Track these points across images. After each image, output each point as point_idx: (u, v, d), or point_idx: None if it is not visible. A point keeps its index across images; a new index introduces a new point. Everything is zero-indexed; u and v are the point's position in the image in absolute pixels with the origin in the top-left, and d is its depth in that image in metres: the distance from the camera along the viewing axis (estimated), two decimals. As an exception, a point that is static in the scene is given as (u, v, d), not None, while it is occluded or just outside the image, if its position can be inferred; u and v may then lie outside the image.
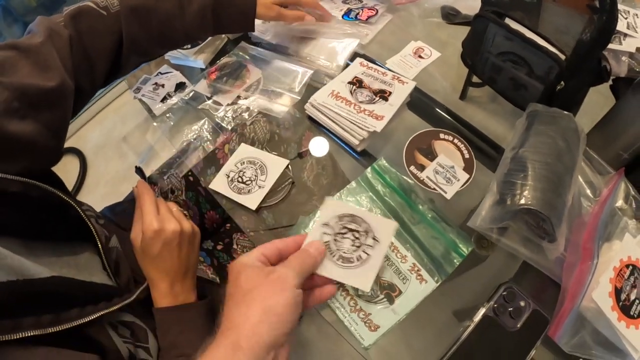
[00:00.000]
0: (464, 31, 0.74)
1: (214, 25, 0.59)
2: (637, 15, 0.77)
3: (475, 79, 0.77)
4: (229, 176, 0.59)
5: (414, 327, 0.49)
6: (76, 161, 1.61)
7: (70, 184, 1.54)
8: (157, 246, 0.46)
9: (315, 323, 1.13)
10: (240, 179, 0.58)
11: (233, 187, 0.58)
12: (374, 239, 0.44)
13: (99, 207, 0.66)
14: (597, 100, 0.73)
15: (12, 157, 0.38)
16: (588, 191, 0.61)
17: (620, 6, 0.72)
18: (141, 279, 0.48)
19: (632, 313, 0.50)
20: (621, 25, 0.77)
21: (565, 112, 0.63)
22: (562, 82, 0.64)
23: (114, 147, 1.62)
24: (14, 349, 0.31)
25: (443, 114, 0.69)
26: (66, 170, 1.62)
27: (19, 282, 0.33)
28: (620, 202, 0.59)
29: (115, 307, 0.39)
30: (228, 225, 0.75)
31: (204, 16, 0.57)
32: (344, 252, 0.43)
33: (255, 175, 0.58)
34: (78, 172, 1.58)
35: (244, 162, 0.60)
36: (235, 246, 0.69)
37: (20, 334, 0.30)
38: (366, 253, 0.43)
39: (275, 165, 0.59)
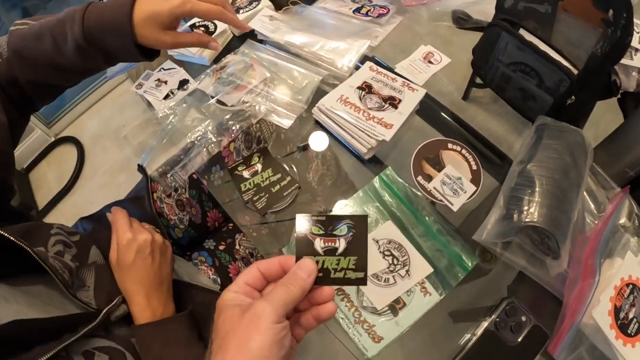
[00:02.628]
0: (473, 37, 0.73)
1: (104, 59, 0.49)
2: (651, 28, 0.75)
3: (478, 79, 0.76)
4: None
5: (415, 338, 0.49)
6: (74, 150, 1.58)
7: (67, 174, 1.52)
8: (131, 254, 0.49)
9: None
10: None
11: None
12: (407, 272, 0.49)
13: (95, 198, 0.66)
14: (604, 114, 0.72)
15: None
16: (592, 206, 0.61)
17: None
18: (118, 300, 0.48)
19: (629, 331, 0.50)
20: (632, 40, 0.77)
21: (574, 127, 0.62)
22: (573, 96, 0.64)
23: (112, 136, 1.60)
24: None
25: (451, 120, 0.68)
26: (63, 159, 1.59)
27: None
28: (623, 220, 0.59)
29: (78, 336, 0.39)
30: (231, 225, 0.74)
31: (82, 52, 0.46)
32: (378, 270, 0.50)
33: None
34: (76, 161, 1.55)
35: None
36: (237, 247, 0.69)
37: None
38: (394, 280, 0.49)
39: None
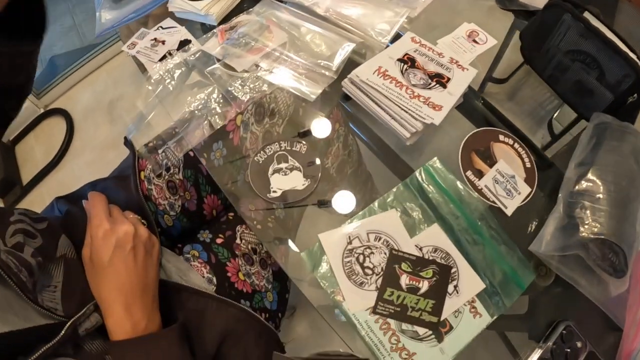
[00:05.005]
0: (518, 20, 0.61)
1: None
2: None
3: (496, 74, 0.65)
4: (350, 242, 0.39)
5: None
6: (63, 123, 1.42)
7: (55, 148, 1.36)
8: (108, 250, 0.38)
9: (308, 318, 1.02)
10: (360, 260, 0.38)
11: (346, 263, 0.38)
12: (455, 288, 0.38)
13: (82, 175, 0.54)
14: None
15: None
16: None
17: None
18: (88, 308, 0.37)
19: None
20: None
21: (634, 128, 0.51)
22: (635, 95, 0.53)
23: (104, 111, 1.44)
24: None
25: (488, 112, 0.56)
26: (52, 133, 1.44)
27: None
28: None
29: (34, 357, 0.31)
30: (231, 214, 0.60)
31: None
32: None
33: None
34: (64, 135, 1.39)
35: (380, 238, 0.39)
36: (238, 241, 0.55)
37: None
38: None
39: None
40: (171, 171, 0.55)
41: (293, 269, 0.43)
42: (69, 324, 0.34)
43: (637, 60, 0.53)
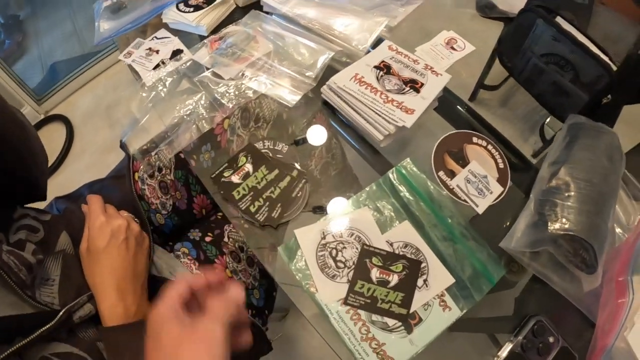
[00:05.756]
0: (498, 27, 0.64)
1: None
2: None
3: (488, 81, 0.68)
4: (324, 237, 0.42)
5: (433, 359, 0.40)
6: (63, 129, 1.47)
7: (55, 152, 1.41)
8: (104, 239, 0.42)
9: (301, 321, 1.04)
10: (332, 255, 0.41)
11: (319, 257, 0.41)
12: (425, 282, 0.41)
13: (81, 179, 0.58)
14: (631, 119, 0.64)
15: None
16: (622, 218, 0.54)
17: None
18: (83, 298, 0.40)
19: None
20: None
21: (609, 128, 0.54)
22: (609, 95, 0.56)
23: (103, 116, 1.49)
24: None
25: (469, 116, 0.59)
26: (52, 138, 1.49)
27: None
28: None
29: (31, 338, 0.34)
30: (220, 214, 0.64)
31: None
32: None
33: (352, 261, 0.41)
34: (64, 140, 1.44)
35: (352, 234, 0.42)
36: (226, 239, 0.59)
37: None
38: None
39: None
40: (163, 172, 0.59)
41: (280, 274, 0.45)
42: (64, 309, 0.37)
43: (609, 62, 0.56)
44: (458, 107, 0.58)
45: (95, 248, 0.41)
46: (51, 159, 1.40)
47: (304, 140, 0.52)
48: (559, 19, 0.58)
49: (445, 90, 0.56)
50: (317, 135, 0.53)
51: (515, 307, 0.46)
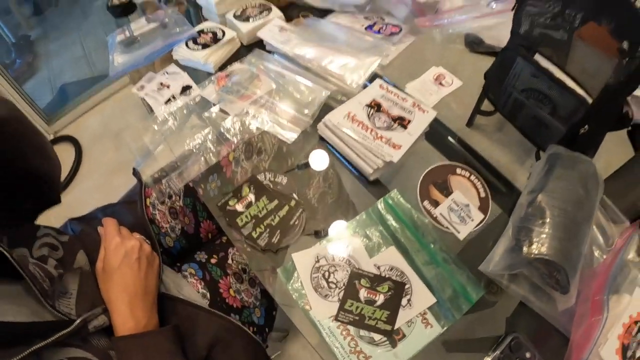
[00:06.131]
0: (485, 62, 0.72)
1: None
2: (666, 59, 0.74)
3: (484, 107, 0.75)
4: (317, 261, 0.49)
5: None
6: (71, 149, 1.57)
7: (64, 172, 1.50)
8: (118, 258, 0.48)
9: (301, 341, 1.10)
10: (325, 276, 0.48)
11: (313, 278, 0.48)
12: (408, 301, 0.47)
13: (89, 199, 0.64)
14: (612, 146, 0.71)
15: None
16: (601, 240, 0.60)
17: None
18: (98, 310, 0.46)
19: None
20: None
21: (586, 157, 0.61)
22: (586, 126, 0.63)
23: (111, 138, 1.59)
24: None
25: (458, 145, 0.66)
26: (61, 158, 1.56)
27: None
28: (632, 255, 0.57)
29: (49, 341, 0.38)
30: (224, 238, 0.71)
31: None
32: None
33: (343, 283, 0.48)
34: (73, 160, 1.54)
35: (343, 258, 0.49)
36: (230, 261, 0.66)
37: None
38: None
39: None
40: (173, 199, 0.67)
41: (280, 295, 0.51)
42: (81, 318, 0.42)
43: (585, 95, 0.63)
44: (449, 137, 0.66)
45: (110, 266, 0.48)
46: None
47: (307, 165, 0.59)
48: (537, 57, 0.66)
49: (437, 121, 0.64)
50: (318, 160, 0.60)
51: (507, 327, 0.51)
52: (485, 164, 0.63)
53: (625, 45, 0.56)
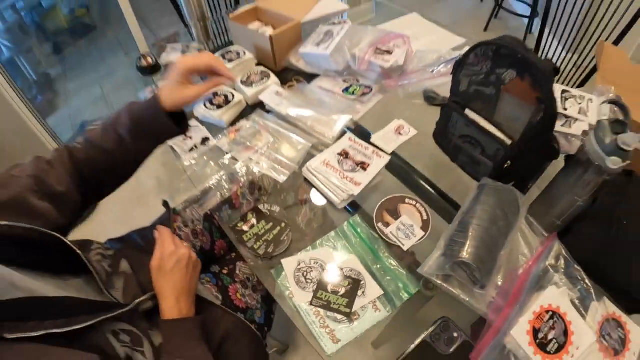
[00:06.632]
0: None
1: (149, 138, 0.70)
2: (591, 100, 0.89)
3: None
4: (299, 264, 0.74)
5: (366, 343, 0.68)
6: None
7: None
8: (172, 263, 0.65)
9: (300, 354, 1.33)
10: (304, 275, 0.73)
11: (296, 276, 0.73)
12: (363, 292, 0.71)
13: (108, 231, 0.84)
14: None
15: (32, 219, 0.54)
16: (526, 250, 0.78)
17: (576, 92, 0.91)
18: (148, 296, 0.63)
19: (548, 350, 0.64)
20: (573, 111, 0.91)
21: (508, 186, 0.85)
22: (509, 162, 0.88)
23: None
24: (35, 345, 0.43)
25: (417, 177, 0.93)
26: None
27: (41, 298, 0.48)
28: (552, 260, 0.75)
29: (111, 315, 0.52)
30: (234, 254, 0.96)
31: (133, 135, 0.67)
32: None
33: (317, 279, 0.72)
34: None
35: (317, 262, 0.75)
36: (237, 272, 0.90)
37: (41, 331, 0.44)
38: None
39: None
40: (195, 223, 0.93)
41: (273, 290, 0.74)
42: (137, 301, 0.59)
43: (505, 139, 0.88)
44: (411, 174, 0.92)
45: (164, 268, 0.64)
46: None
47: (307, 200, 0.84)
48: (468, 111, 0.93)
49: (400, 158, 0.90)
50: (313, 197, 0.86)
51: (471, 333, 0.68)
52: (439, 191, 0.88)
53: (541, 93, 0.79)
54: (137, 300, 0.60)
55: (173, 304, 0.62)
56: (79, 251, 0.55)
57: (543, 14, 1.53)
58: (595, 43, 1.31)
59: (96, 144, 0.66)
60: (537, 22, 1.51)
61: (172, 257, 0.65)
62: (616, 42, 1.29)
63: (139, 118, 0.68)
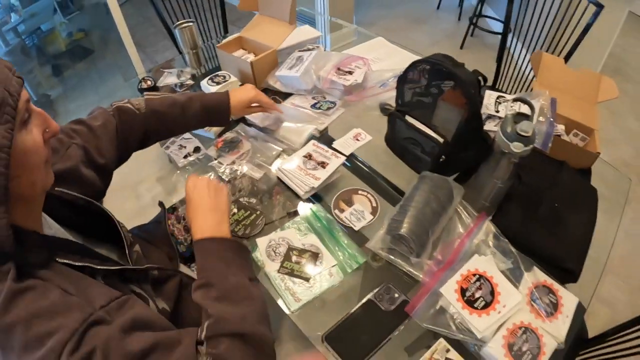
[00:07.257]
0: (392, 122, 1.23)
1: (205, 121, 1.04)
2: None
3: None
4: (270, 242, 0.95)
5: (323, 302, 0.89)
6: (97, 196, 2.07)
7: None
8: (192, 186, 0.81)
9: (286, 348, 1.52)
10: (274, 250, 0.95)
11: (267, 251, 0.95)
12: (320, 262, 0.93)
13: None
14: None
15: (81, 186, 0.71)
16: (461, 229, 0.98)
17: (510, 97, 1.17)
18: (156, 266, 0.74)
19: (475, 306, 0.79)
20: (504, 113, 1.17)
21: (443, 177, 1.05)
22: (443, 157, 1.10)
23: (130, 188, 2.08)
24: (79, 274, 0.56)
25: (371, 173, 1.16)
26: None
27: (84, 246, 0.62)
28: (482, 236, 0.94)
29: (131, 267, 0.66)
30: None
31: (197, 117, 0.99)
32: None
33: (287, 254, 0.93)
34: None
35: (284, 239, 0.96)
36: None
37: (83, 263, 0.57)
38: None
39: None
40: (186, 220, 1.16)
41: (255, 267, 0.98)
42: (148, 265, 0.69)
43: (439, 138, 1.11)
44: (363, 168, 1.16)
45: (188, 192, 0.79)
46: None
47: (296, 212, 1.07)
48: (408, 117, 1.16)
49: (357, 159, 1.14)
50: (304, 208, 1.10)
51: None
52: (388, 182, 1.11)
53: (467, 99, 1.02)
54: (148, 265, 0.72)
55: (201, 222, 0.75)
56: (116, 219, 0.71)
57: (513, 30, 1.80)
58: (560, 54, 1.55)
59: (160, 114, 0.94)
60: (510, 37, 1.79)
61: (192, 183, 0.83)
62: (570, 53, 1.56)
63: (210, 107, 1.01)
